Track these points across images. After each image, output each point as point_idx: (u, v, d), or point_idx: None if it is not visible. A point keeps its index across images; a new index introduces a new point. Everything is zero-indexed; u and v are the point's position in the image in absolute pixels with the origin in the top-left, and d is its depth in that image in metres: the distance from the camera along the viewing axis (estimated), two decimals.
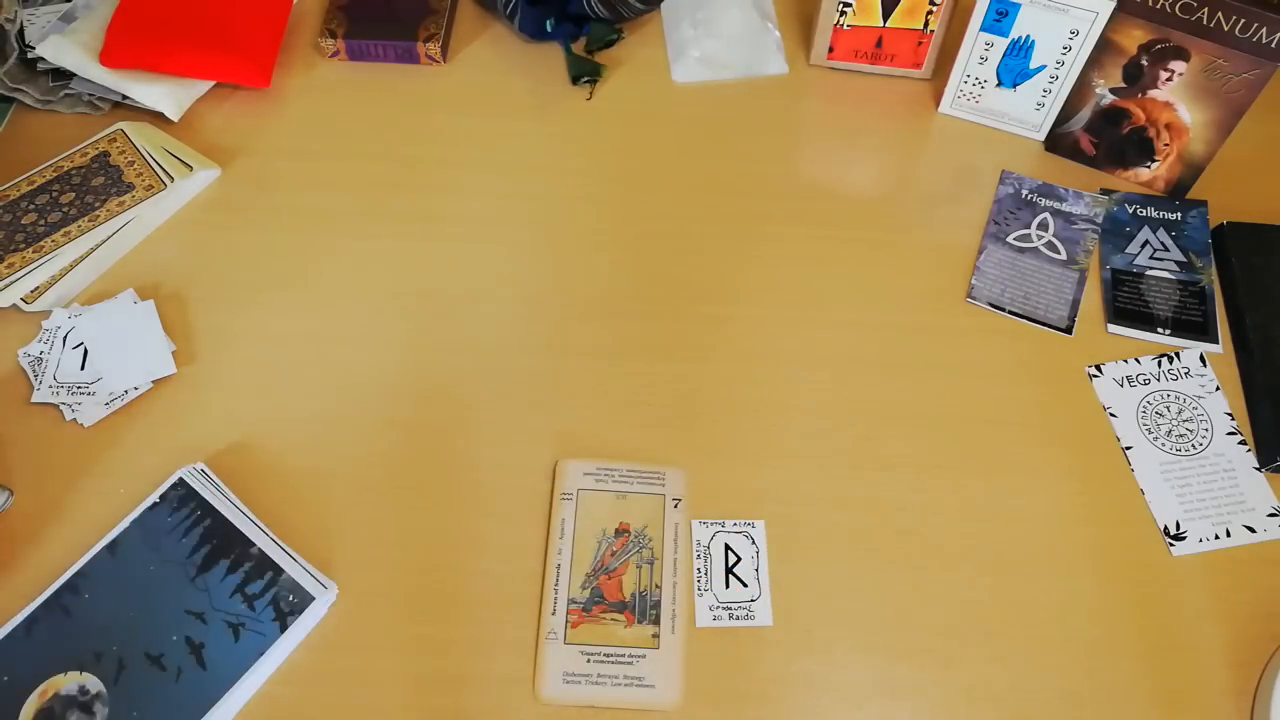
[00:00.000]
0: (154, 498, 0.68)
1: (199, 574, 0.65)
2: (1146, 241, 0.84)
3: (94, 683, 0.61)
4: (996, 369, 0.77)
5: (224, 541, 0.67)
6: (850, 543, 0.69)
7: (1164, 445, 0.74)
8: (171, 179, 0.84)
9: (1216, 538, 0.69)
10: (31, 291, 0.78)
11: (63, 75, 0.91)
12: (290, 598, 0.65)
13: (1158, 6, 0.77)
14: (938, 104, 0.93)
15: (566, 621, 0.65)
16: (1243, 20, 0.74)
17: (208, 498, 0.68)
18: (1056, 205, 0.86)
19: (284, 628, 0.64)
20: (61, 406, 0.73)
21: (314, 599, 0.65)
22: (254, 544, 0.67)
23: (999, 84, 0.88)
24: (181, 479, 0.69)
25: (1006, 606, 0.67)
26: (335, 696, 0.63)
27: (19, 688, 0.61)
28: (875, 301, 0.81)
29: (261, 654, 0.63)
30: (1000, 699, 0.64)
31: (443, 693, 0.63)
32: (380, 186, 0.87)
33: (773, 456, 0.73)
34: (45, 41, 0.88)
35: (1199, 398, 0.76)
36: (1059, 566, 0.68)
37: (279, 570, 0.66)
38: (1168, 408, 0.75)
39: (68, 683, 0.61)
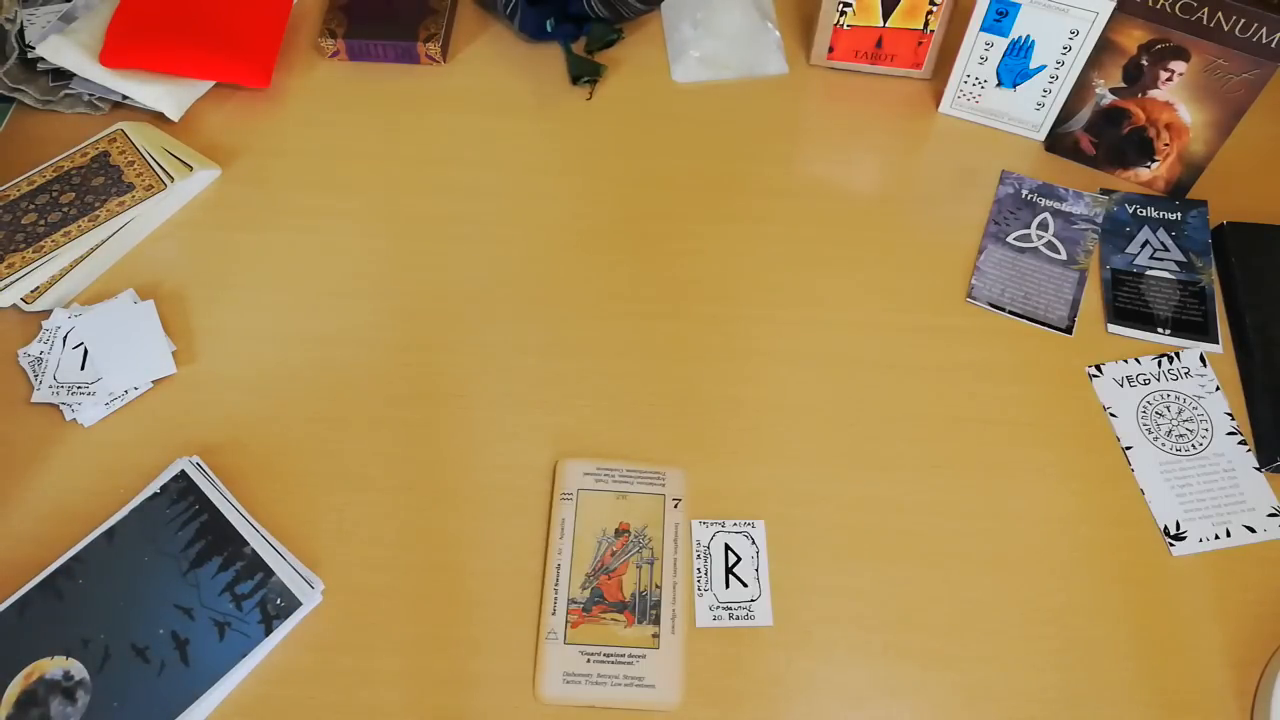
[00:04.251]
0: (154, 487, 0.68)
1: (191, 569, 0.65)
2: (1146, 241, 0.84)
3: (79, 669, 0.61)
4: (996, 369, 0.77)
5: (218, 538, 0.67)
6: (850, 543, 0.69)
7: (1164, 445, 0.74)
8: (171, 179, 0.84)
9: (1216, 538, 0.69)
10: (31, 291, 0.78)
11: (63, 75, 0.91)
12: (278, 601, 0.65)
13: (1158, 6, 0.77)
14: (938, 104, 0.93)
15: (566, 621, 0.65)
16: (1243, 20, 0.74)
17: (206, 493, 0.68)
18: (1056, 205, 0.86)
19: (269, 631, 0.64)
20: (61, 406, 0.73)
21: (301, 604, 0.65)
22: (248, 543, 0.67)
23: (999, 84, 0.88)
24: (183, 470, 0.69)
25: (1006, 606, 0.67)
26: (336, 696, 0.63)
27: (6, 668, 0.61)
28: (875, 301, 0.81)
29: (244, 655, 0.63)
30: (1000, 699, 0.63)
31: (442, 693, 0.63)
32: (380, 186, 0.87)
33: (773, 456, 0.73)
34: (45, 41, 0.88)
35: (1199, 398, 0.76)
36: (1059, 566, 0.68)
37: (270, 573, 0.66)
38: (1168, 408, 0.75)
39: (53, 667, 0.61)
